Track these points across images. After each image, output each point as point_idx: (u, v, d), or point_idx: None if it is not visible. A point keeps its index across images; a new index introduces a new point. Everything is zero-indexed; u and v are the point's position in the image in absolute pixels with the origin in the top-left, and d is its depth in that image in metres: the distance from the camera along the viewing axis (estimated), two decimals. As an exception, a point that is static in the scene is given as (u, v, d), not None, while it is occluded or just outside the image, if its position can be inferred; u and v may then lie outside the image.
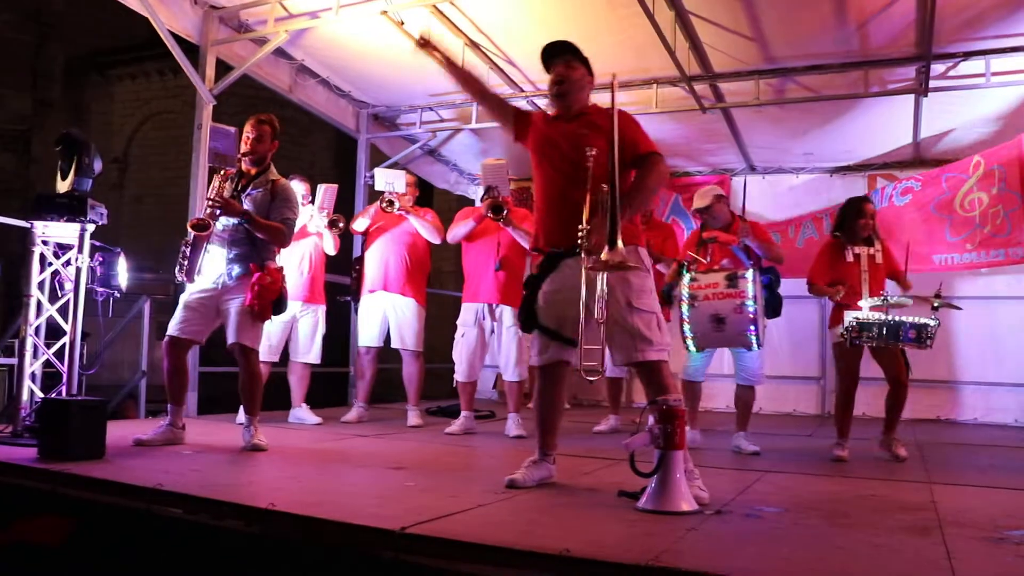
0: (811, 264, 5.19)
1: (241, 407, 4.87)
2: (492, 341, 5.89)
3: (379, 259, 6.24)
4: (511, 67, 6.94)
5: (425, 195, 9.12)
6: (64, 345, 4.47)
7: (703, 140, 8.30)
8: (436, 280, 10.85)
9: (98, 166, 4.50)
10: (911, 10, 5.55)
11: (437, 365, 7.93)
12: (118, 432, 4.38)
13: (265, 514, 2.83)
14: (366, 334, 6.30)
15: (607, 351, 3.59)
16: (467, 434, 5.71)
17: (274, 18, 6.25)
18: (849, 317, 4.67)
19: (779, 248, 5.48)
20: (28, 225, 4.46)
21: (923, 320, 4.55)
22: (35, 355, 4.53)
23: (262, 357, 5.48)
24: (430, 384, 6.89)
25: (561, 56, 3.72)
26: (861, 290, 4.90)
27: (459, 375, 5.88)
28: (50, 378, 4.65)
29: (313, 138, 18.21)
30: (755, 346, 4.72)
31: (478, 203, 5.95)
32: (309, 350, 6.16)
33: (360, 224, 6.40)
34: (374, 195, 6.60)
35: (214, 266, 4.61)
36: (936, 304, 4.74)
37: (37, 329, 4.53)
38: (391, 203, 6.15)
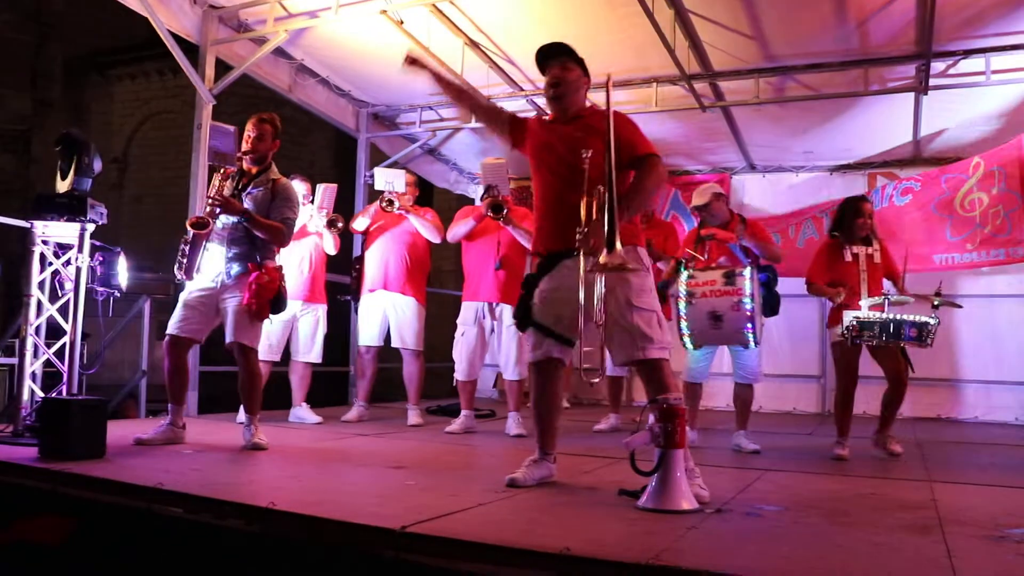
0: (809, 264, 5.19)
1: (241, 406, 4.87)
2: (492, 340, 5.89)
3: (379, 258, 6.24)
4: (511, 66, 6.94)
5: (425, 194, 9.13)
6: (64, 345, 4.47)
7: (703, 139, 8.30)
8: (436, 279, 10.85)
9: (98, 166, 4.50)
10: (911, 8, 5.55)
11: (437, 364, 7.93)
12: (119, 431, 4.38)
13: (265, 513, 2.83)
14: (366, 333, 6.30)
15: (607, 352, 3.60)
16: (467, 433, 5.71)
17: (273, 18, 6.25)
18: (849, 316, 4.67)
19: (777, 247, 5.48)
20: (28, 225, 4.46)
21: (924, 318, 4.56)
22: (35, 355, 4.53)
23: (262, 356, 5.48)
24: (430, 383, 6.89)
25: (556, 58, 3.71)
26: (860, 290, 4.90)
27: (459, 374, 5.88)
28: (50, 378, 4.65)
29: (313, 137, 18.20)
30: (752, 344, 4.73)
31: (478, 202, 5.95)
32: (310, 349, 6.16)
33: (360, 223, 6.40)
34: (374, 194, 6.60)
35: (213, 264, 4.61)
36: (936, 303, 4.74)
37: (37, 329, 4.53)
38: (391, 202, 6.15)
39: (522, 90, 7.37)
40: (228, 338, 4.58)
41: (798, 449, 5.45)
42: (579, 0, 5.79)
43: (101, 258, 4.59)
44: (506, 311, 5.68)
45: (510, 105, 7.71)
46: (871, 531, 2.82)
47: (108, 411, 4.17)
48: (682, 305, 4.76)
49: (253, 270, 4.53)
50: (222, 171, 4.68)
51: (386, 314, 6.23)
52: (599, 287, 3.36)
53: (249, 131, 4.75)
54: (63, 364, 4.45)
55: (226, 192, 4.61)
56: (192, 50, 6.29)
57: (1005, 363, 7.78)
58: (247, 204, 4.61)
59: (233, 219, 4.59)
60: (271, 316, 4.72)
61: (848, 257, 4.98)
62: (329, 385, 8.50)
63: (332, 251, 6.29)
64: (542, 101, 7.53)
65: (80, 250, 4.40)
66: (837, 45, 6.22)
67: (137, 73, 20.54)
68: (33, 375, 4.52)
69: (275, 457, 4.37)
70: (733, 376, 5.22)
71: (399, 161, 8.62)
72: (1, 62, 17.43)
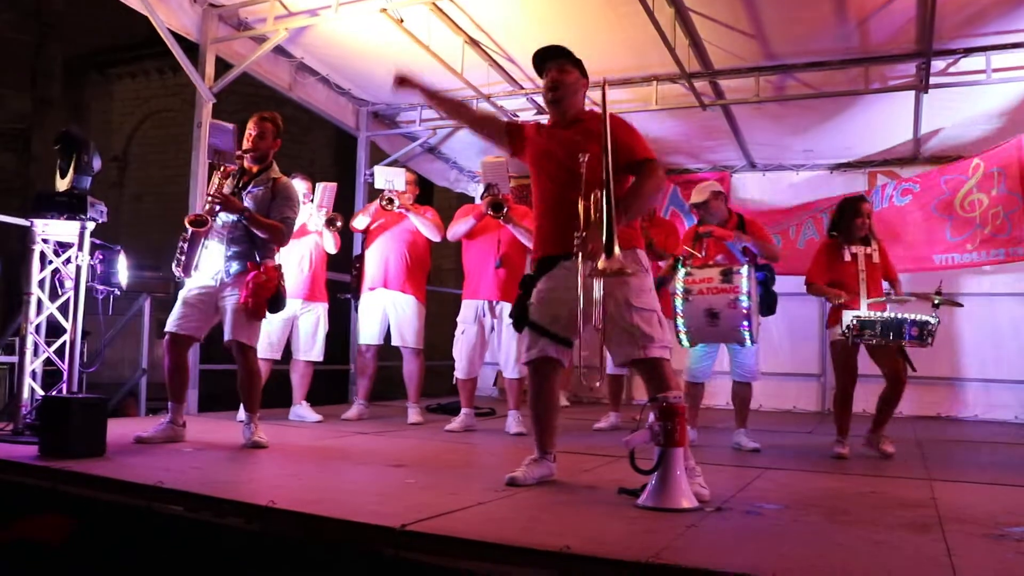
0: (809, 264, 5.20)
1: (241, 404, 4.87)
2: (492, 338, 5.89)
3: (379, 257, 6.24)
4: (511, 64, 6.94)
5: (425, 193, 9.12)
6: (64, 343, 4.47)
7: (703, 137, 8.30)
8: (436, 277, 10.84)
9: (97, 164, 4.50)
10: (911, 6, 5.55)
11: (437, 362, 7.93)
12: (119, 430, 4.38)
13: (265, 511, 2.83)
14: (366, 332, 6.30)
15: (607, 353, 3.60)
16: (467, 431, 5.72)
17: (273, 16, 6.24)
18: (850, 315, 4.67)
19: (775, 246, 5.47)
20: (28, 223, 4.46)
21: (924, 317, 4.56)
22: (36, 353, 4.53)
23: (263, 354, 5.50)
24: (430, 381, 6.89)
25: (554, 60, 3.70)
26: (859, 289, 4.90)
27: (459, 372, 5.88)
28: (51, 376, 4.65)
29: (313, 136, 18.18)
30: (748, 342, 4.73)
31: (478, 200, 5.95)
32: (311, 348, 6.16)
33: (360, 222, 6.40)
34: (374, 193, 6.60)
35: (213, 262, 4.61)
36: (937, 302, 4.74)
37: (38, 327, 4.54)
38: (391, 201, 6.15)
39: (522, 88, 7.37)
40: (226, 336, 4.58)
41: (798, 447, 5.45)
42: (579, -2, 5.79)
43: (101, 256, 4.59)
44: (506, 309, 5.68)
45: (510, 104, 7.75)
46: (871, 529, 2.82)
47: (108, 409, 4.17)
48: (678, 302, 4.76)
49: (252, 269, 4.54)
50: (222, 169, 4.68)
51: (386, 312, 6.23)
52: (597, 290, 3.37)
53: (250, 129, 4.74)
54: (63, 362, 4.45)
55: (226, 190, 4.61)
56: (192, 48, 6.29)
57: (1005, 362, 7.79)
58: (247, 203, 4.61)
59: (233, 217, 4.59)
60: (270, 315, 4.73)
61: (847, 257, 4.98)
62: (329, 383, 8.50)
63: (332, 250, 6.29)
64: (542, 99, 7.54)
65: (80, 248, 4.40)
66: (837, 43, 6.22)
67: (137, 71, 20.53)
68: (33, 373, 4.52)
69: (275, 455, 4.38)
70: (731, 374, 5.23)
71: (399, 159, 8.62)
72: (1, 61, 17.42)
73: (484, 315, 5.83)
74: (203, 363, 6.26)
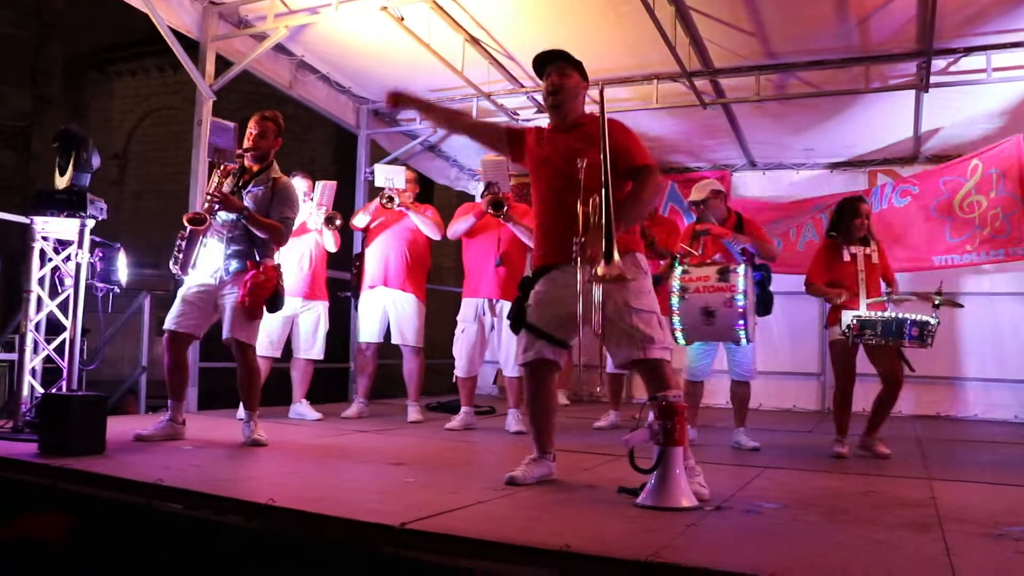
0: (808, 264, 5.20)
1: (241, 402, 4.87)
2: (492, 337, 5.89)
3: (379, 255, 6.24)
4: (511, 62, 6.93)
5: (425, 191, 9.13)
6: (64, 341, 4.47)
7: (703, 136, 8.29)
8: (436, 276, 10.85)
9: (96, 161, 4.50)
10: (912, 5, 5.54)
11: (437, 361, 7.93)
12: (118, 427, 4.38)
13: (265, 510, 2.83)
14: (366, 330, 6.30)
15: (606, 352, 3.60)
16: (467, 430, 5.72)
17: (274, 14, 6.24)
18: (850, 315, 4.67)
19: (774, 247, 5.47)
20: (28, 221, 4.46)
21: (925, 318, 4.56)
22: (35, 351, 4.53)
23: (263, 352, 5.50)
24: (430, 380, 6.89)
25: (554, 63, 3.69)
26: (858, 290, 4.90)
27: (459, 371, 5.88)
28: (50, 374, 4.65)
29: (313, 134, 18.20)
30: (744, 341, 4.73)
31: (478, 199, 5.95)
32: (312, 346, 6.16)
33: (360, 220, 6.41)
34: (374, 191, 6.60)
35: (212, 260, 4.61)
36: (937, 302, 4.73)
37: (37, 325, 4.54)
38: (391, 199, 6.15)
39: (523, 87, 7.36)
40: (225, 334, 4.58)
41: (798, 446, 5.45)
42: (580, -4, 5.79)
43: (101, 254, 4.59)
44: (506, 308, 5.67)
45: (510, 102, 7.74)
46: (870, 529, 2.82)
47: (108, 407, 4.18)
48: (675, 300, 4.76)
49: (251, 268, 4.53)
50: (222, 168, 4.68)
51: (386, 311, 6.23)
52: (597, 294, 3.37)
53: (251, 128, 4.74)
54: (63, 360, 4.45)
55: (225, 189, 4.60)
56: (192, 46, 6.29)
57: (1005, 361, 7.78)
58: (247, 202, 4.61)
59: (233, 216, 4.59)
60: (269, 313, 4.73)
61: (846, 257, 4.98)
62: (329, 381, 8.50)
63: (332, 248, 6.28)
64: (541, 94, 7.54)
65: (80, 246, 4.40)
66: (838, 42, 6.21)
67: (137, 69, 20.53)
68: (33, 371, 4.52)
69: (275, 453, 4.38)
70: (729, 373, 5.23)
71: (399, 158, 8.61)
72: (1, 58, 17.42)
73: (484, 313, 5.83)
74: (203, 361, 6.27)
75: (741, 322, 4.63)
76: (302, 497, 3.05)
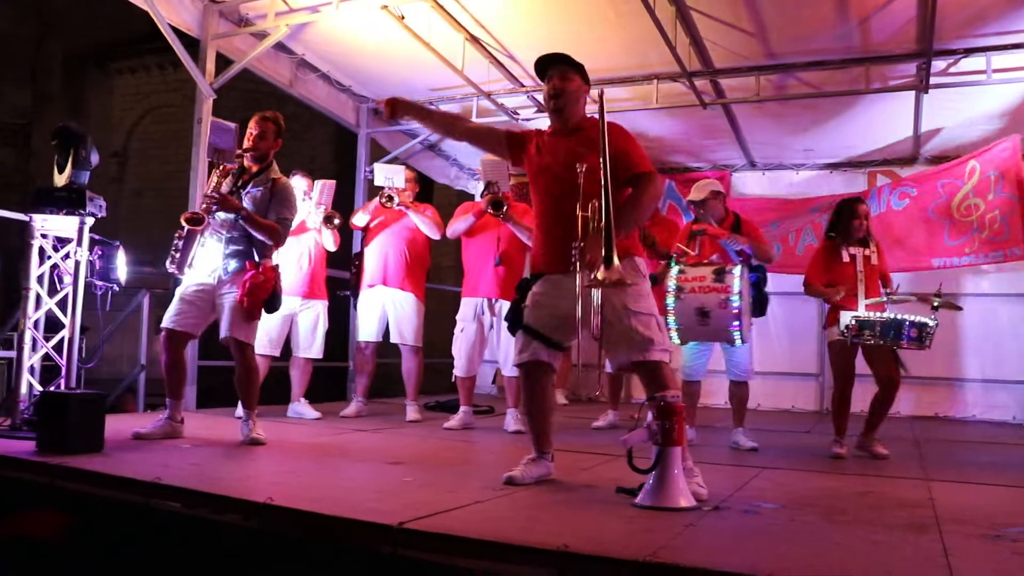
0: (807, 265, 5.20)
1: (240, 401, 4.87)
2: (491, 336, 5.89)
3: (379, 254, 6.24)
4: (511, 62, 6.93)
5: (425, 190, 9.12)
6: (63, 338, 4.47)
7: (703, 136, 8.29)
8: (436, 275, 10.85)
9: (95, 159, 4.50)
10: (912, 6, 5.54)
11: (436, 360, 7.93)
12: (117, 425, 4.38)
13: (263, 509, 2.83)
14: (365, 329, 6.31)
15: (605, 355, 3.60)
16: (466, 429, 5.72)
17: (274, 12, 6.24)
18: (849, 316, 4.68)
19: (770, 248, 5.47)
20: (27, 218, 4.46)
21: (923, 319, 4.56)
22: (34, 348, 4.52)
23: (262, 351, 5.51)
24: (429, 379, 6.89)
25: (556, 66, 3.68)
26: (857, 290, 4.90)
27: (458, 370, 5.88)
28: (49, 371, 4.65)
29: (313, 133, 18.18)
30: (738, 342, 4.74)
31: (478, 198, 5.94)
32: (311, 345, 6.16)
33: (359, 219, 6.41)
34: (374, 190, 6.60)
35: (211, 260, 4.61)
36: (936, 304, 4.74)
37: (36, 322, 4.53)
38: (390, 198, 6.15)
39: (523, 86, 7.36)
40: (223, 333, 4.58)
41: (796, 447, 5.46)
42: (580, -4, 5.79)
43: (100, 252, 4.58)
44: (505, 307, 5.67)
45: (510, 101, 7.74)
46: (869, 529, 2.83)
47: (106, 405, 4.18)
48: (670, 299, 4.76)
49: (251, 268, 4.53)
50: (220, 168, 4.67)
51: (385, 310, 6.24)
52: (595, 298, 3.37)
53: (251, 129, 4.74)
54: (61, 358, 4.45)
55: (224, 189, 4.60)
56: (193, 44, 6.29)
57: (1003, 362, 7.79)
58: (246, 203, 4.61)
59: (231, 216, 4.58)
60: (267, 314, 4.73)
61: (846, 258, 4.98)
62: (328, 380, 8.49)
63: (331, 247, 6.28)
64: (542, 97, 7.52)
65: (79, 244, 4.40)
66: (838, 43, 6.21)
67: (137, 67, 20.53)
68: (31, 369, 4.52)
69: (273, 452, 4.38)
70: (727, 374, 5.23)
71: (399, 156, 8.61)
72: (1, 56, 17.42)
73: (483, 313, 5.83)
74: (201, 359, 6.27)
75: (736, 323, 4.63)
76: (300, 496, 3.04)
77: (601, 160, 3.30)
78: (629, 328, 3.39)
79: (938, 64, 6.31)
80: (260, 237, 4.59)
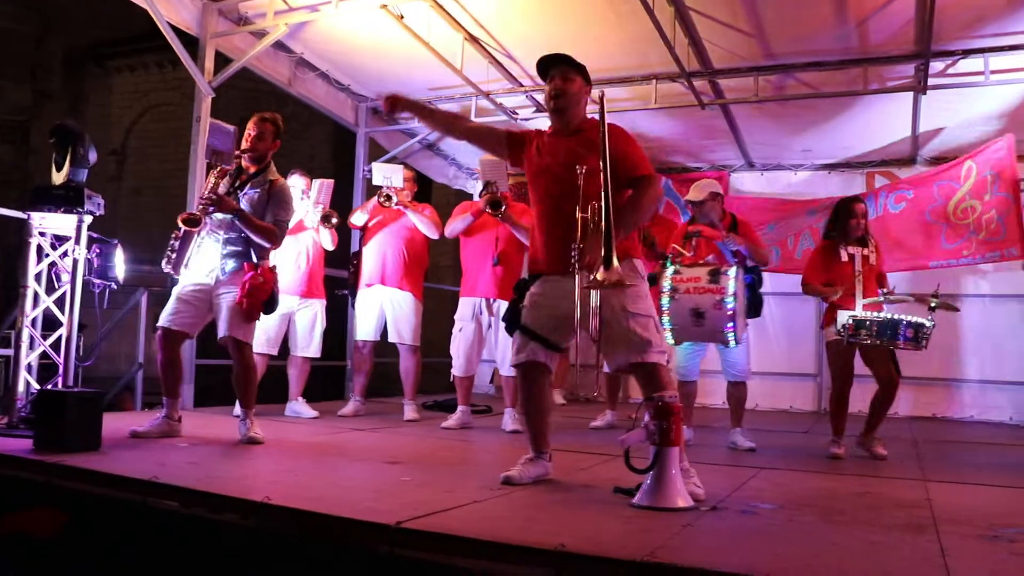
0: (805, 264, 5.21)
1: (237, 400, 4.86)
2: (489, 336, 5.89)
3: (377, 253, 6.24)
4: (510, 61, 6.93)
5: (424, 189, 9.12)
6: (61, 336, 4.47)
7: (702, 136, 8.30)
8: (434, 274, 10.85)
9: (93, 156, 4.49)
10: (911, 7, 5.54)
11: (434, 359, 7.93)
12: (114, 424, 4.38)
13: (261, 507, 2.83)
14: (363, 328, 6.30)
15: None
16: (463, 429, 5.72)
17: (273, 11, 6.24)
18: (846, 315, 4.68)
19: (766, 250, 5.47)
20: (25, 216, 4.45)
21: (920, 320, 4.57)
22: (31, 346, 4.52)
23: (260, 349, 5.51)
24: (427, 378, 6.89)
25: (557, 67, 3.68)
26: (855, 290, 4.90)
27: (457, 370, 5.88)
28: (46, 369, 4.65)
29: (312, 131, 18.18)
30: (732, 343, 4.74)
31: (476, 198, 5.94)
32: (309, 344, 6.16)
33: (358, 218, 6.40)
34: (373, 189, 6.59)
35: (208, 260, 4.60)
36: (933, 304, 4.74)
37: (34, 320, 4.53)
38: (389, 197, 6.15)
39: (521, 86, 7.36)
40: (221, 332, 4.57)
41: (794, 447, 5.46)
42: (579, -4, 5.79)
43: (98, 250, 4.58)
44: (503, 307, 5.67)
45: (509, 101, 7.74)
46: (866, 529, 2.83)
47: (104, 403, 4.18)
48: (665, 300, 4.76)
49: (249, 270, 4.53)
50: (218, 169, 4.67)
51: (383, 309, 6.24)
52: (594, 299, 3.37)
53: (250, 130, 4.73)
54: (59, 356, 4.44)
55: (221, 190, 4.59)
56: (192, 43, 6.29)
57: (1001, 363, 7.80)
58: (243, 204, 4.60)
59: (228, 216, 4.58)
60: (261, 317, 4.73)
61: (844, 257, 4.99)
62: (326, 379, 8.50)
63: (329, 246, 6.28)
64: (541, 97, 7.52)
65: (77, 242, 4.39)
66: (837, 44, 6.22)
67: (136, 65, 20.51)
68: (29, 367, 4.51)
69: (271, 451, 4.37)
70: (724, 374, 5.23)
71: (398, 156, 8.61)
72: (1, 53, 17.40)
73: (481, 312, 5.82)
74: (199, 358, 6.27)
75: (730, 324, 4.63)
76: (298, 495, 3.04)
77: (601, 162, 3.30)
78: (627, 330, 3.38)
79: (936, 65, 6.32)
80: (256, 239, 4.58)
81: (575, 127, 3.67)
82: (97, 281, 4.61)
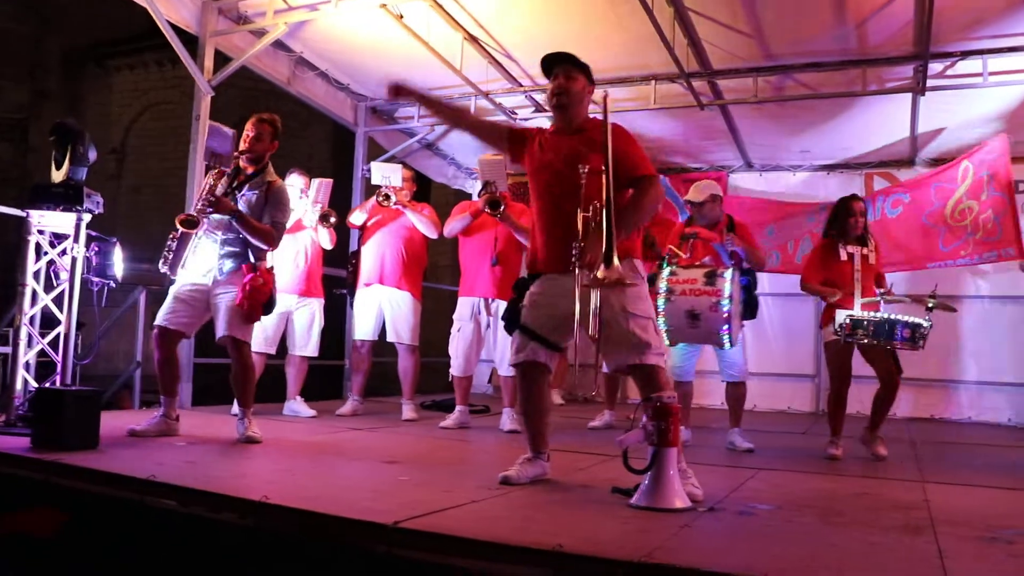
0: (805, 263, 5.20)
1: (235, 399, 4.86)
2: (488, 335, 5.89)
3: (375, 253, 6.24)
4: (510, 61, 6.93)
5: (422, 189, 9.12)
6: (59, 335, 4.47)
7: (701, 137, 8.30)
8: (432, 274, 10.85)
9: (92, 155, 4.49)
10: (909, 9, 5.55)
11: (432, 359, 7.92)
12: (112, 422, 4.37)
13: (259, 507, 2.83)
14: (361, 327, 6.30)
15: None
16: (461, 428, 5.72)
17: (273, 10, 6.25)
18: (843, 315, 4.68)
19: (763, 253, 5.47)
20: (24, 214, 4.45)
21: (917, 320, 4.57)
22: (30, 344, 4.52)
23: (258, 348, 5.50)
24: (425, 378, 6.88)
25: (561, 65, 3.68)
26: (854, 289, 4.91)
27: (455, 370, 5.88)
28: (45, 367, 4.65)
29: (311, 131, 18.15)
30: (727, 345, 4.74)
31: (475, 198, 5.94)
32: (307, 343, 6.16)
33: (357, 218, 6.40)
34: (371, 188, 6.59)
35: (205, 260, 4.60)
36: (931, 305, 4.74)
37: (32, 318, 4.53)
38: (388, 197, 6.14)
39: (520, 86, 7.35)
40: (220, 332, 4.57)
41: (792, 448, 5.46)
42: (579, -4, 5.79)
43: (97, 248, 4.58)
44: (501, 307, 5.66)
45: (508, 101, 7.74)
46: (864, 531, 2.83)
47: (102, 402, 4.17)
48: (660, 301, 4.76)
49: (248, 271, 4.52)
50: (216, 169, 4.66)
51: (381, 308, 6.23)
52: (594, 299, 3.37)
53: (248, 131, 4.73)
54: (57, 354, 4.44)
55: (219, 191, 4.58)
56: (191, 41, 6.29)
57: (999, 364, 7.80)
58: (240, 205, 4.60)
59: (226, 217, 4.57)
60: (261, 318, 4.73)
61: (843, 256, 4.99)
62: (324, 379, 8.49)
63: (327, 246, 6.28)
64: (541, 97, 7.53)
65: (76, 240, 4.39)
66: (835, 45, 6.22)
67: (136, 64, 20.46)
68: (27, 365, 4.51)
69: (269, 450, 4.37)
70: (721, 375, 5.22)
71: (397, 155, 8.60)
72: (0, 52, 17.40)
73: (480, 312, 5.82)
74: (197, 357, 6.26)
75: (726, 327, 4.63)
76: (296, 495, 3.04)
77: (603, 161, 3.30)
78: (627, 331, 3.38)
79: (935, 67, 6.33)
80: (254, 241, 4.58)
81: (577, 126, 3.67)
82: (96, 279, 4.61)
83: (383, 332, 6.33)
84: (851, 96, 6.81)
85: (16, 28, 17.89)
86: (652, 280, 5.00)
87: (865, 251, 5.01)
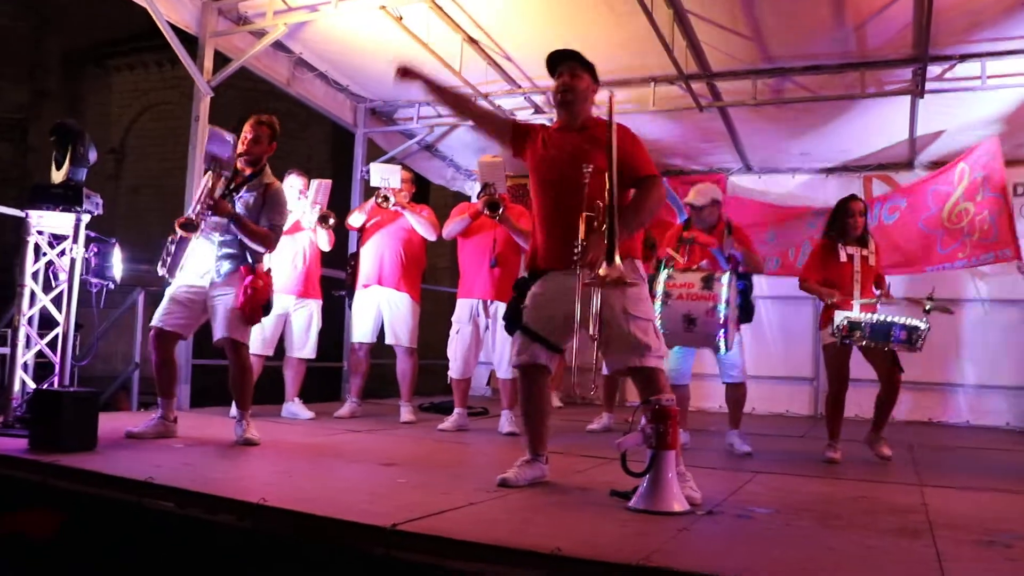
0: (804, 262, 5.21)
1: (234, 401, 4.85)
2: (486, 338, 5.88)
3: (374, 254, 6.23)
4: (509, 63, 6.93)
5: (421, 191, 9.11)
6: (57, 336, 4.46)
7: (700, 139, 8.30)
8: (431, 276, 10.84)
9: (92, 155, 4.49)
10: (908, 12, 5.56)
11: (431, 361, 7.91)
12: (110, 424, 4.37)
13: (257, 509, 2.83)
14: (359, 329, 6.30)
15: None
16: (460, 431, 5.71)
17: (273, 11, 6.25)
18: (840, 316, 4.69)
19: (759, 257, 5.46)
20: (23, 215, 4.45)
21: (914, 322, 4.57)
22: (28, 345, 4.52)
23: (256, 350, 5.50)
24: (424, 380, 6.88)
25: (566, 63, 3.69)
26: (853, 290, 4.91)
27: (453, 372, 5.87)
28: (43, 368, 4.64)
29: (311, 132, 18.17)
30: (723, 349, 4.74)
31: (474, 199, 5.94)
32: (304, 345, 6.15)
33: (355, 219, 6.40)
34: (370, 190, 6.59)
35: (203, 261, 4.59)
36: (928, 307, 4.75)
37: (30, 319, 4.53)
38: (387, 198, 6.14)
39: (520, 88, 7.35)
40: (218, 334, 4.55)
41: (790, 451, 5.46)
42: (578, -2, 5.79)
43: (96, 249, 4.58)
44: (500, 309, 5.65)
45: (508, 103, 7.74)
46: (862, 534, 2.83)
47: (100, 403, 4.17)
48: (657, 304, 4.75)
49: (247, 273, 4.52)
50: (215, 172, 4.65)
51: (380, 310, 6.23)
52: (595, 299, 3.37)
53: (246, 132, 4.72)
54: (55, 355, 4.44)
55: (217, 193, 4.58)
56: (191, 42, 6.29)
57: (997, 368, 7.80)
58: (238, 207, 4.59)
59: (223, 219, 4.57)
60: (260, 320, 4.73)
61: (843, 257, 4.99)
62: (322, 381, 8.49)
63: (326, 247, 6.28)
64: (540, 99, 7.54)
65: (75, 241, 4.39)
66: (834, 47, 6.23)
67: (135, 64, 20.47)
68: (25, 366, 4.51)
69: (267, 452, 4.37)
70: (721, 377, 5.22)
71: (396, 157, 8.60)
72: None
73: (478, 314, 5.81)
74: (195, 358, 6.26)
75: (722, 331, 4.63)
76: (294, 497, 3.04)
77: (607, 161, 3.30)
78: (627, 333, 3.38)
79: (933, 69, 6.33)
80: (251, 244, 4.58)
81: (581, 124, 3.68)
82: (94, 280, 4.60)
83: (382, 334, 6.32)
84: (850, 99, 6.82)
85: (16, 28, 17.89)
86: (650, 283, 5.01)
87: (865, 252, 5.01)
